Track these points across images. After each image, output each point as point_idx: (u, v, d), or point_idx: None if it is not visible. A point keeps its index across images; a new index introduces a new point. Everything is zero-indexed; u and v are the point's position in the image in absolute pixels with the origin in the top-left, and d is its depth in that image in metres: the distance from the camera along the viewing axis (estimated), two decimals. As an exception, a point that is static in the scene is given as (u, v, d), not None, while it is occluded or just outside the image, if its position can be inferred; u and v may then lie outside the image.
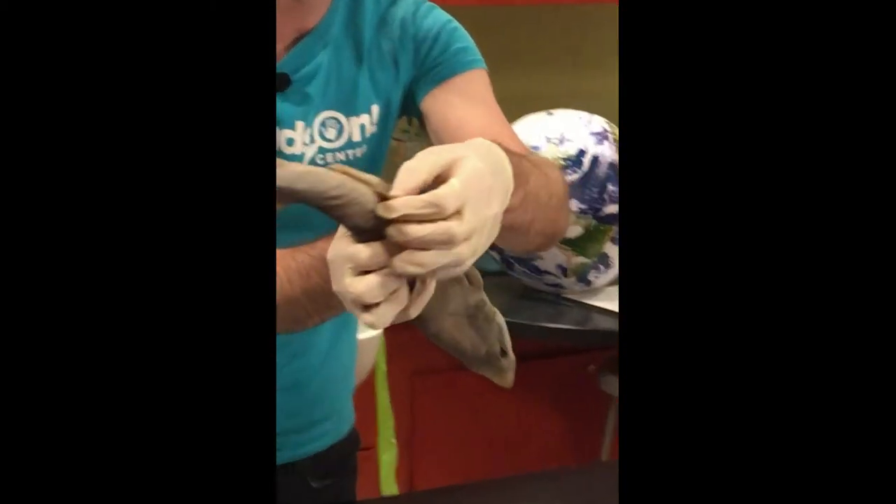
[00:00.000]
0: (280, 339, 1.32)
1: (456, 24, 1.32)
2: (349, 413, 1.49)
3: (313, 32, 1.26)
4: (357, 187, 0.83)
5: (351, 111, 1.28)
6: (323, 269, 0.92)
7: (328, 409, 1.44)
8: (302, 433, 1.40)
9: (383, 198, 0.82)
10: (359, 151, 1.29)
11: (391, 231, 0.81)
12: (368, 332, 1.96)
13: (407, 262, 0.81)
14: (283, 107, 1.24)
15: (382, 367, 2.24)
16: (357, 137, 1.28)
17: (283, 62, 1.25)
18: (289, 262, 1.06)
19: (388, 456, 2.22)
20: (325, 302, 1.05)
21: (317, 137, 1.26)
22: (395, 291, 0.83)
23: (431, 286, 0.85)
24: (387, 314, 0.83)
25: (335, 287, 0.84)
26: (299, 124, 1.25)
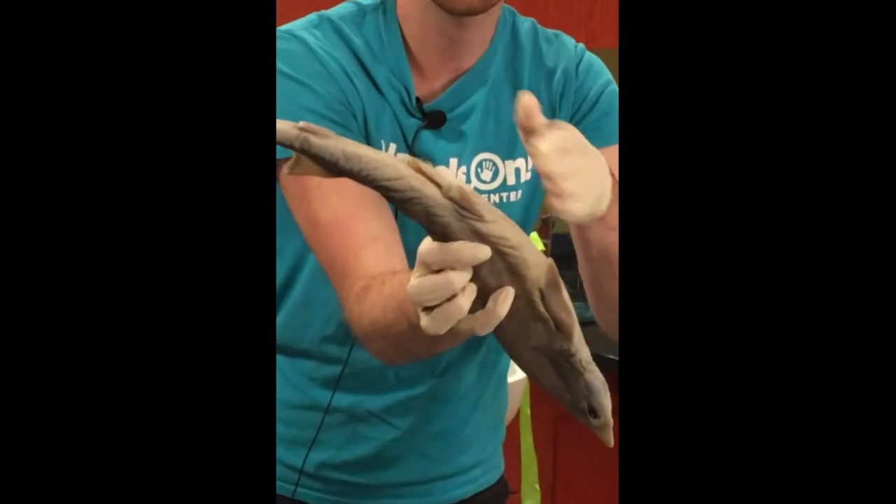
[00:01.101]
0: (428, 386, 1.34)
1: (614, 85, 1.31)
2: (498, 461, 1.47)
3: (470, 72, 1.26)
4: (423, 187, 0.83)
5: (507, 154, 1.27)
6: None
7: (477, 457, 1.42)
8: (449, 479, 1.39)
9: (456, 203, 0.83)
10: (513, 195, 1.29)
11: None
12: (514, 376, 1.94)
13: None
14: (437, 144, 1.24)
15: (527, 411, 2.22)
16: (511, 181, 1.27)
17: (439, 100, 1.25)
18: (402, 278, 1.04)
19: (531, 502, 2.20)
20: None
21: (473, 178, 1.26)
22: (451, 298, 0.82)
23: (503, 307, 0.84)
24: (441, 319, 0.83)
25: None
26: (453, 161, 1.25)
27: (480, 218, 0.85)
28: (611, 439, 0.92)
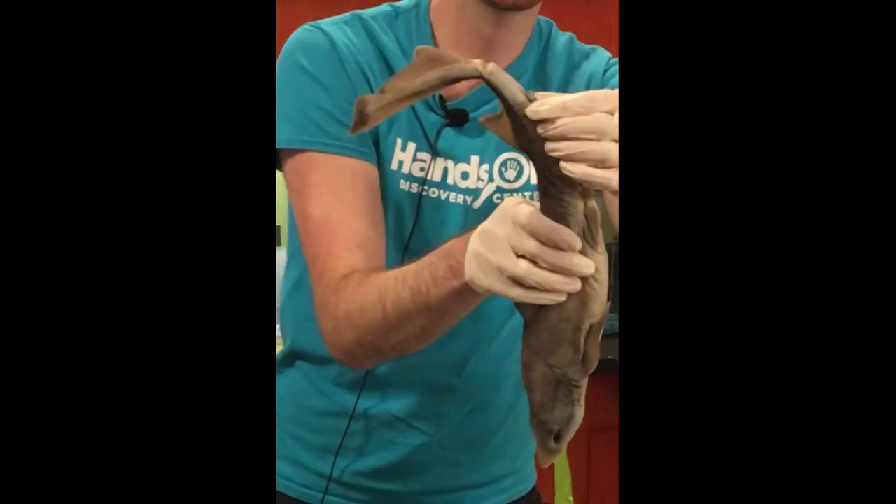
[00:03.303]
0: (460, 395, 1.33)
1: None
2: (531, 472, 1.47)
3: None
4: (575, 198, 0.89)
5: None
6: (436, 262, 1.00)
7: (508, 467, 1.42)
8: (480, 489, 1.39)
9: (587, 222, 0.89)
10: (536, 194, 1.29)
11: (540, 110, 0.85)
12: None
13: (559, 150, 0.85)
14: (459, 140, 1.25)
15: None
16: (535, 180, 1.28)
17: (463, 99, 1.26)
18: (411, 265, 1.06)
19: (565, 514, 2.19)
20: (425, 300, 1.04)
21: (496, 176, 1.27)
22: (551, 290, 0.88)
23: (577, 283, 0.90)
24: (540, 280, 0.88)
25: (495, 258, 0.90)
26: (474, 159, 1.26)
27: (595, 245, 0.91)
28: (547, 463, 0.99)
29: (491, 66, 0.89)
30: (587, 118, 0.85)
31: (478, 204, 1.26)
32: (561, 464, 2.22)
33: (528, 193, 1.28)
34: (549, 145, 0.86)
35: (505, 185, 1.27)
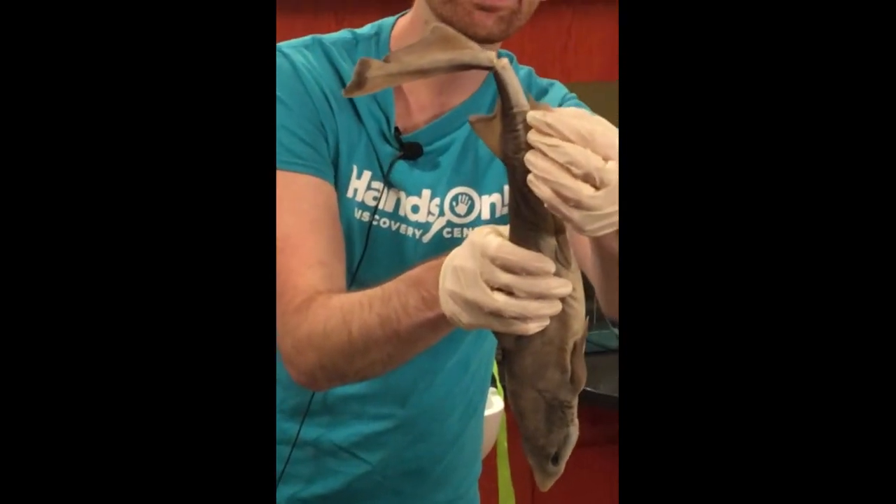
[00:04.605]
0: (403, 425, 1.33)
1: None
2: (474, 496, 1.47)
3: (456, 109, 1.27)
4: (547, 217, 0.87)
5: (483, 189, 1.28)
6: (406, 291, 0.99)
7: (452, 495, 1.41)
8: (423, 516, 1.39)
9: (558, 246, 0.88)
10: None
11: (535, 138, 0.84)
12: (491, 409, 1.94)
13: (538, 167, 0.84)
14: (412, 174, 1.25)
15: (504, 444, 2.21)
16: (486, 215, 1.28)
17: (418, 133, 1.26)
18: (375, 290, 1.06)
19: (509, 535, 2.19)
20: (395, 328, 1.03)
21: (447, 211, 1.27)
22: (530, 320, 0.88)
23: (558, 305, 0.89)
24: (518, 310, 0.88)
25: (471, 294, 0.89)
26: (426, 192, 1.26)
27: (568, 264, 0.90)
28: (547, 486, 0.97)
29: (504, 61, 0.87)
30: (578, 150, 0.83)
31: (427, 237, 1.26)
32: (505, 485, 2.22)
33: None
34: (529, 156, 0.85)
35: (455, 220, 1.27)
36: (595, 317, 1.19)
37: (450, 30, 0.89)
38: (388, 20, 1.29)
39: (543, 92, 1.31)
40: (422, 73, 0.87)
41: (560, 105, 1.30)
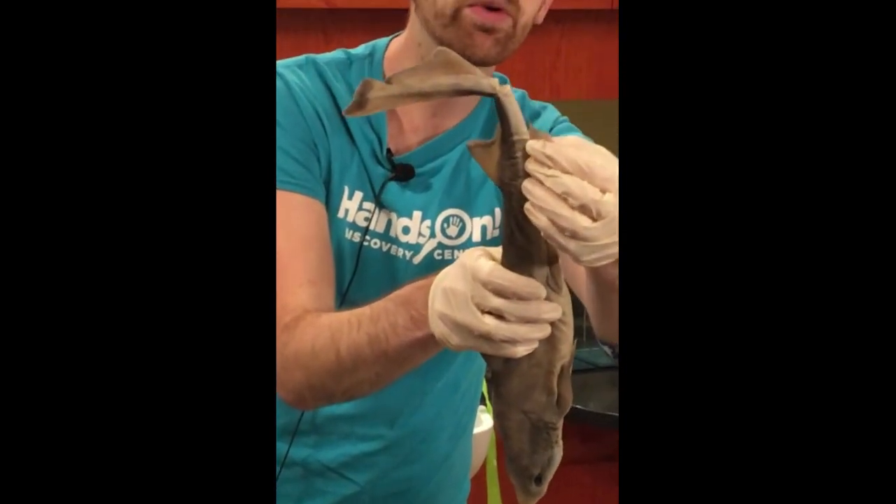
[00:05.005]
0: (392, 446, 1.33)
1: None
2: (462, 516, 1.47)
3: (450, 132, 1.27)
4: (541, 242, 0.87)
5: (475, 211, 1.28)
6: (395, 310, 0.99)
7: (440, 516, 1.41)
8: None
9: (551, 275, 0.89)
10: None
11: (532, 167, 0.84)
12: (480, 428, 1.93)
13: (535, 195, 0.84)
14: (403, 195, 1.25)
15: (493, 462, 2.20)
16: (477, 238, 1.28)
17: (410, 155, 1.26)
18: (364, 309, 1.06)
19: (498, 555, 2.18)
20: (384, 348, 1.04)
21: (438, 233, 1.27)
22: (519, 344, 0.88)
23: (547, 329, 0.89)
24: (508, 334, 0.88)
25: (461, 317, 0.88)
26: (417, 214, 1.26)
27: (558, 288, 0.90)
28: None
29: (506, 88, 0.88)
30: (574, 182, 0.83)
31: (418, 259, 1.26)
32: (494, 501, 2.21)
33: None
34: (526, 184, 0.85)
35: (446, 242, 1.27)
36: (585, 334, 1.18)
37: (453, 54, 0.89)
38: (382, 41, 1.30)
39: (536, 115, 1.31)
40: (424, 96, 0.87)
41: (552, 128, 1.30)
